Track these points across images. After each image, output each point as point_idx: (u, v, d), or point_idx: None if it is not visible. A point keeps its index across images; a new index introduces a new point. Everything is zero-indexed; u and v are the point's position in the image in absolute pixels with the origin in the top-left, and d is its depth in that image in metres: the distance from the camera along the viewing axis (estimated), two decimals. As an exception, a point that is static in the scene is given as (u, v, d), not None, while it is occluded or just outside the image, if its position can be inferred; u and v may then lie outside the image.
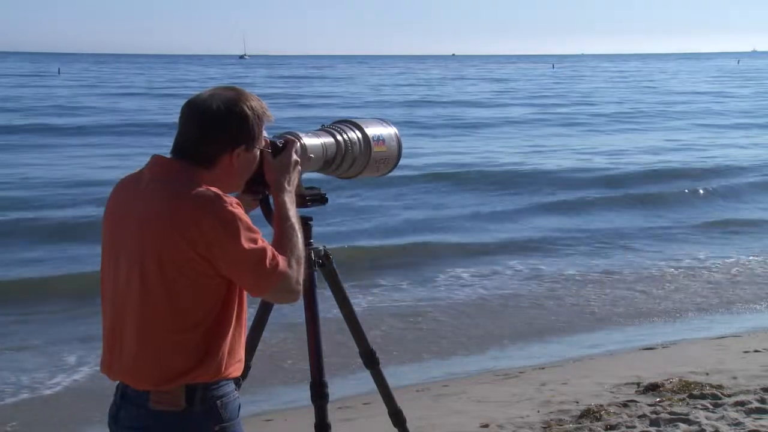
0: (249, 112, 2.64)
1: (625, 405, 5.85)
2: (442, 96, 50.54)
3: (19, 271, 10.77)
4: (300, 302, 3.00)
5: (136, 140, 25.29)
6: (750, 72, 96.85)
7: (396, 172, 3.70)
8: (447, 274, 11.06)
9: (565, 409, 5.93)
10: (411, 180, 17.85)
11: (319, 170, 3.26)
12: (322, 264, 3.45)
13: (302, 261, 2.69)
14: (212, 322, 2.60)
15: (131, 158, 19.53)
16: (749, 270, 11.21)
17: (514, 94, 53.61)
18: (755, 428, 5.34)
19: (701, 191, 17.48)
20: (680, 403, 5.83)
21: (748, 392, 6.04)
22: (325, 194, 3.28)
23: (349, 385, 6.67)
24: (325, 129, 3.30)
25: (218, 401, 2.62)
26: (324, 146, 3.18)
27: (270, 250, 2.58)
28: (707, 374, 6.61)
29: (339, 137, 3.26)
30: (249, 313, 2.83)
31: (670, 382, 6.29)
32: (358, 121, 3.39)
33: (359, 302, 9.11)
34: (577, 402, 6.07)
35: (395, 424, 3.83)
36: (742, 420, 5.48)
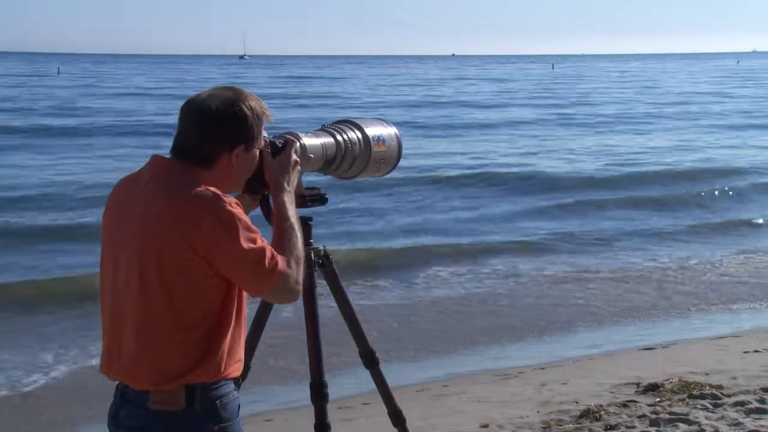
0: (248, 112, 2.64)
1: (624, 405, 5.85)
2: (442, 96, 50.52)
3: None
4: (300, 302, 3.00)
5: (135, 141, 25.27)
6: (750, 72, 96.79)
7: (397, 174, 3.70)
8: (447, 274, 11.07)
9: (564, 410, 5.93)
10: (412, 181, 17.85)
11: (319, 170, 3.26)
12: (322, 264, 3.45)
13: (301, 261, 2.69)
14: (212, 322, 2.60)
15: (128, 159, 19.54)
16: (749, 270, 11.21)
17: (514, 95, 53.60)
18: (755, 428, 5.34)
19: (701, 192, 17.48)
20: (680, 403, 5.83)
21: (747, 392, 6.04)
22: (325, 194, 3.28)
23: (349, 385, 6.66)
24: (325, 129, 3.31)
25: (218, 401, 2.62)
26: (324, 146, 3.18)
27: (269, 250, 2.58)
28: (707, 374, 6.61)
29: (339, 137, 3.26)
30: (248, 313, 2.83)
31: (670, 382, 6.29)
32: (358, 121, 3.39)
33: (357, 302, 9.10)
34: (577, 402, 6.07)
35: (395, 424, 3.83)
36: (741, 420, 5.48)
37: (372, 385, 3.78)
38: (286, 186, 2.81)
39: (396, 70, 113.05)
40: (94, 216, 13.49)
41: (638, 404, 5.85)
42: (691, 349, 7.72)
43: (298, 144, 2.95)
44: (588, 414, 5.68)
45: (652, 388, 6.20)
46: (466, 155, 23.27)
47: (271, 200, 2.87)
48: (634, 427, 5.43)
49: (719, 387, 6.16)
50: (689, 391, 6.06)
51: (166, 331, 2.57)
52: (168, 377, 2.57)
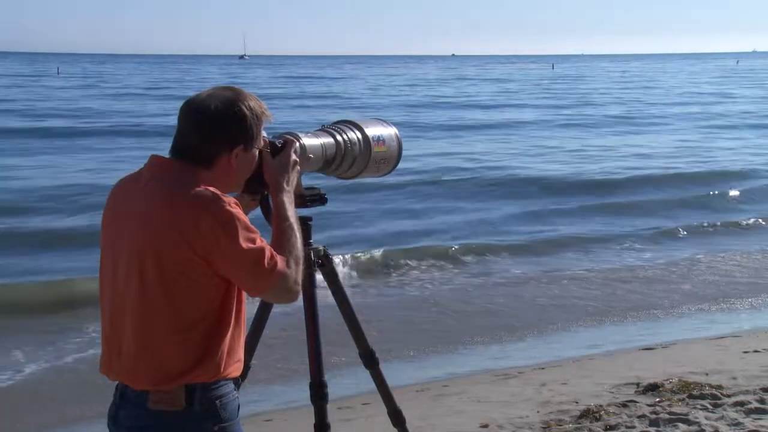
0: (247, 112, 2.64)
1: (624, 405, 5.85)
2: (441, 97, 50.51)
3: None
4: (300, 302, 3.00)
5: (135, 141, 25.24)
6: (750, 72, 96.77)
7: (396, 174, 3.70)
8: (446, 274, 11.08)
9: (564, 410, 5.93)
10: (411, 182, 17.85)
11: (319, 170, 3.26)
12: (321, 264, 3.45)
13: (301, 261, 2.69)
14: (211, 322, 2.60)
15: (128, 160, 19.50)
16: (749, 270, 11.22)
17: (514, 95, 53.58)
18: (755, 428, 5.34)
19: (701, 193, 17.47)
20: (680, 404, 5.83)
21: (747, 392, 6.04)
22: (324, 194, 3.28)
23: (348, 385, 6.66)
24: (325, 129, 3.31)
25: (217, 401, 2.63)
26: (323, 146, 3.18)
27: (268, 250, 2.58)
28: (707, 374, 6.61)
29: (339, 137, 3.26)
30: (248, 313, 2.83)
31: (670, 382, 6.29)
32: (358, 122, 3.39)
33: (357, 302, 9.10)
34: (577, 402, 6.07)
35: (395, 424, 3.83)
36: (741, 420, 5.48)
37: (372, 385, 3.78)
38: (285, 186, 2.81)
39: (396, 70, 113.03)
40: (84, 220, 13.53)
41: (638, 404, 5.85)
42: (691, 349, 7.72)
43: (297, 144, 2.96)
44: (588, 414, 5.68)
45: (652, 388, 6.20)
46: (467, 155, 23.26)
47: (270, 200, 2.88)
48: (633, 427, 5.43)
49: (719, 387, 6.16)
50: (689, 391, 6.06)
51: (165, 331, 2.57)
52: (168, 377, 2.57)
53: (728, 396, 5.98)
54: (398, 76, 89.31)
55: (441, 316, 9.24)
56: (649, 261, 11.82)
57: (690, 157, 23.41)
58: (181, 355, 2.58)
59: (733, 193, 17.60)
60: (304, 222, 3.19)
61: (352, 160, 3.32)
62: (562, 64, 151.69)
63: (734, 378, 6.48)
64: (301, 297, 2.84)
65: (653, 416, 5.57)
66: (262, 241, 2.58)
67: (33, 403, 6.91)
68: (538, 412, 5.95)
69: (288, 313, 7.19)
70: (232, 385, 2.69)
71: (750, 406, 5.72)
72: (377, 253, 11.69)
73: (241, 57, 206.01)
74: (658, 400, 5.95)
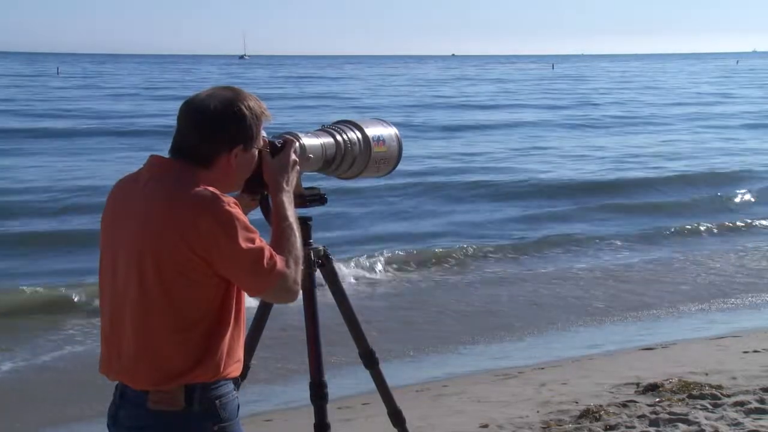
0: (247, 112, 2.64)
1: (624, 405, 5.85)
2: (441, 97, 50.48)
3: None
4: (299, 302, 3.00)
5: (135, 141, 25.23)
6: (751, 72, 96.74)
7: (396, 175, 3.70)
8: (446, 274, 11.08)
9: (564, 410, 5.93)
10: (410, 183, 17.84)
11: (318, 170, 3.26)
12: (321, 264, 3.45)
13: (300, 261, 2.70)
14: (211, 322, 2.60)
15: (128, 161, 19.48)
16: (749, 270, 11.22)
17: (514, 95, 53.56)
18: (755, 428, 5.34)
19: (701, 194, 17.47)
20: (680, 404, 5.83)
21: (747, 392, 6.04)
22: (324, 194, 3.28)
23: (348, 385, 6.66)
24: (325, 129, 3.31)
25: (217, 401, 2.63)
26: (323, 146, 3.18)
27: (268, 250, 2.58)
28: (707, 374, 6.61)
29: (339, 137, 3.26)
30: (248, 313, 2.83)
31: (670, 382, 6.29)
32: (358, 122, 3.39)
33: (357, 302, 9.10)
34: (577, 402, 6.07)
35: (394, 424, 3.83)
36: (741, 420, 5.48)
37: (372, 385, 3.78)
38: (285, 186, 2.81)
39: (396, 70, 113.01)
40: (85, 221, 13.51)
41: (638, 404, 5.85)
42: (691, 349, 7.72)
43: (297, 144, 2.96)
44: (588, 414, 5.68)
45: (652, 388, 6.20)
46: (467, 156, 23.25)
47: (270, 200, 2.88)
48: (633, 427, 5.43)
49: (719, 387, 6.16)
50: (689, 391, 6.06)
51: (165, 331, 2.57)
52: (167, 377, 2.57)
53: (728, 396, 5.98)
54: (398, 76, 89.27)
55: (441, 316, 9.24)
56: (649, 261, 11.82)
57: (690, 157, 23.40)
58: (181, 355, 2.58)
59: (733, 193, 17.60)
60: (304, 222, 3.19)
61: (352, 160, 3.32)
62: (562, 64, 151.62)
63: (734, 378, 6.48)
64: (301, 297, 2.83)
65: (653, 416, 5.57)
66: (262, 241, 2.58)
67: (32, 402, 6.91)
68: (538, 412, 5.95)
69: (288, 313, 7.19)
70: (231, 385, 2.69)
71: (750, 406, 5.72)
72: (377, 253, 11.69)
73: (241, 57, 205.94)
74: (658, 400, 5.95)
